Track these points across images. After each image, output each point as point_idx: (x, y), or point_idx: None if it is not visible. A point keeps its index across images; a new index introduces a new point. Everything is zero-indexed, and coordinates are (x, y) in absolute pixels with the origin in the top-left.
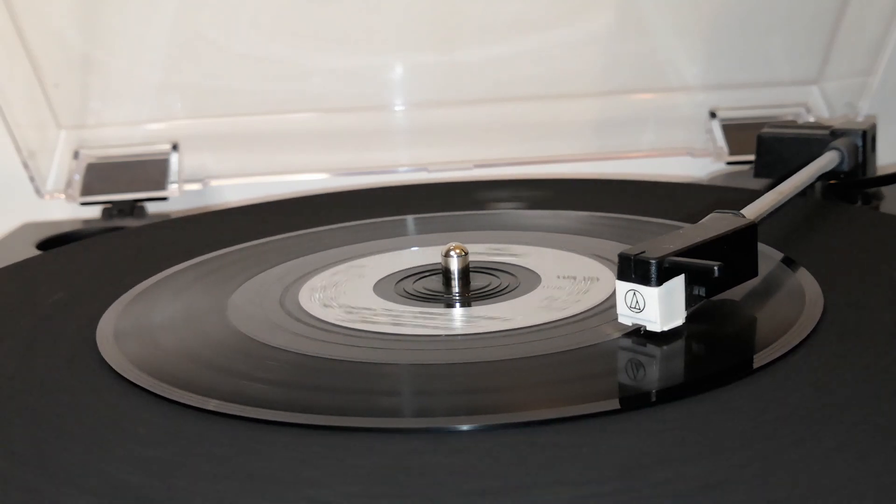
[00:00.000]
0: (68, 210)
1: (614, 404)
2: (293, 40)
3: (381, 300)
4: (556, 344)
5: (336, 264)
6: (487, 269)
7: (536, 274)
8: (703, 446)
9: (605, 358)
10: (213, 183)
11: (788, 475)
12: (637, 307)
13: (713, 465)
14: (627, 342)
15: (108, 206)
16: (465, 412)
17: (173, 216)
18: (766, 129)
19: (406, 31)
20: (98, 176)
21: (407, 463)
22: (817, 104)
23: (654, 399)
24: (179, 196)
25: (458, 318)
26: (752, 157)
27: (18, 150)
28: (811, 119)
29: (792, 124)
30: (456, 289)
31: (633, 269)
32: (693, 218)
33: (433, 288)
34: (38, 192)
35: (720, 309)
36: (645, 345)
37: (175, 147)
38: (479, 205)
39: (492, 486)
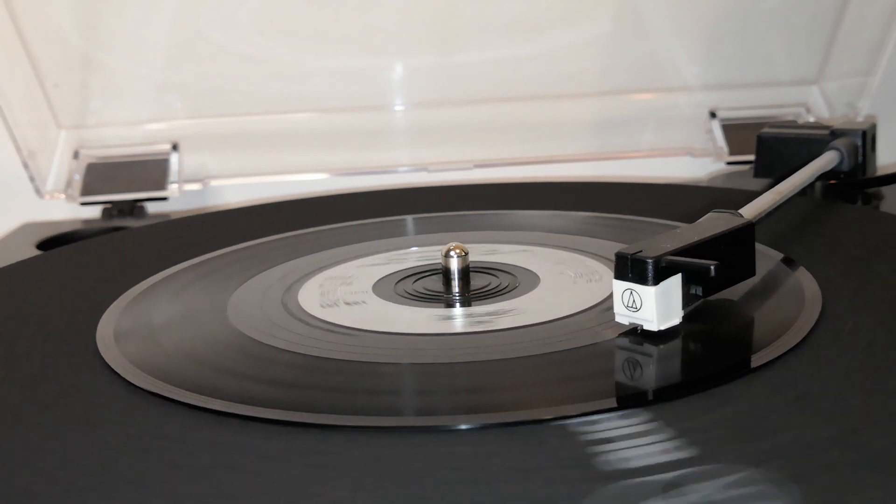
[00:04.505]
0: (68, 210)
1: (611, 403)
2: (293, 40)
3: (380, 300)
4: (554, 343)
5: (336, 264)
6: (487, 269)
7: (536, 274)
8: (700, 446)
9: (602, 357)
10: (213, 183)
11: (786, 475)
12: (634, 306)
13: (710, 465)
14: (624, 341)
15: (108, 206)
16: (464, 411)
17: (173, 216)
18: (765, 129)
19: (406, 31)
20: (98, 176)
21: (407, 462)
22: (817, 104)
23: (651, 398)
24: (179, 196)
25: (457, 318)
26: (752, 157)
27: (18, 150)
28: (811, 119)
29: (792, 124)
30: (456, 289)
31: (630, 268)
32: (692, 218)
33: (433, 288)
34: (38, 192)
35: (718, 308)
36: (642, 344)
37: (175, 147)
38: (480, 205)
39: (491, 486)
